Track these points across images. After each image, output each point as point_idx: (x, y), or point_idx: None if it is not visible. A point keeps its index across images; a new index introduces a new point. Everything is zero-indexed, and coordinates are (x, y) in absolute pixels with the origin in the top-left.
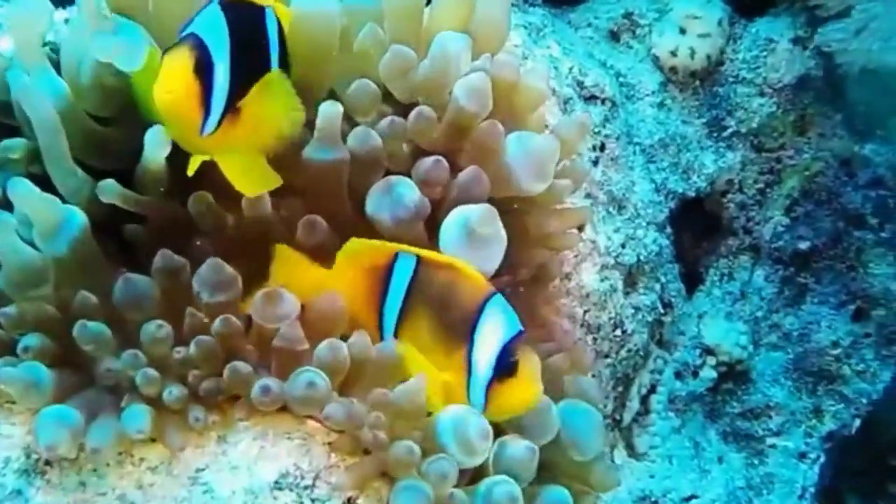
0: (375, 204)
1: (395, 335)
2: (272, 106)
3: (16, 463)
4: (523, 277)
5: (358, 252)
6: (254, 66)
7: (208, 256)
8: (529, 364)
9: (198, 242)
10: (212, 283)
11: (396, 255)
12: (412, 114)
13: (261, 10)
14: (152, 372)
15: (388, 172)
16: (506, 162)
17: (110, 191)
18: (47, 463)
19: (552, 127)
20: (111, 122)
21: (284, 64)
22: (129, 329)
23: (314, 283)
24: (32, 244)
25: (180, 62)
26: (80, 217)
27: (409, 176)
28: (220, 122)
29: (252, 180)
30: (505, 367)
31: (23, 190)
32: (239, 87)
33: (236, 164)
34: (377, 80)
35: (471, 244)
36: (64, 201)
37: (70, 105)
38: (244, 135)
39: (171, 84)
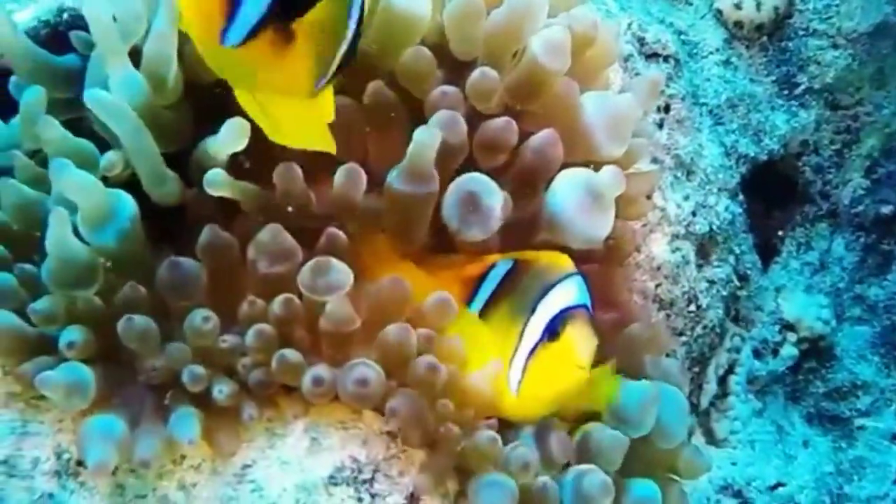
0: (462, 221)
1: None
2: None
3: (46, 464)
4: (598, 252)
5: (457, 262)
6: None
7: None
8: (577, 331)
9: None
10: (270, 252)
11: (495, 263)
12: (474, 74)
13: None
14: (199, 369)
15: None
16: (584, 123)
17: (220, 182)
18: (80, 463)
19: (620, 87)
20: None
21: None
22: (175, 316)
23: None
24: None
25: None
26: (130, 206)
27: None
28: (251, 35)
29: (295, 130)
30: (551, 333)
31: (69, 175)
32: (294, 5)
33: (276, 105)
34: (433, 33)
35: (593, 208)
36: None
37: (148, 96)
38: (292, 68)
39: None
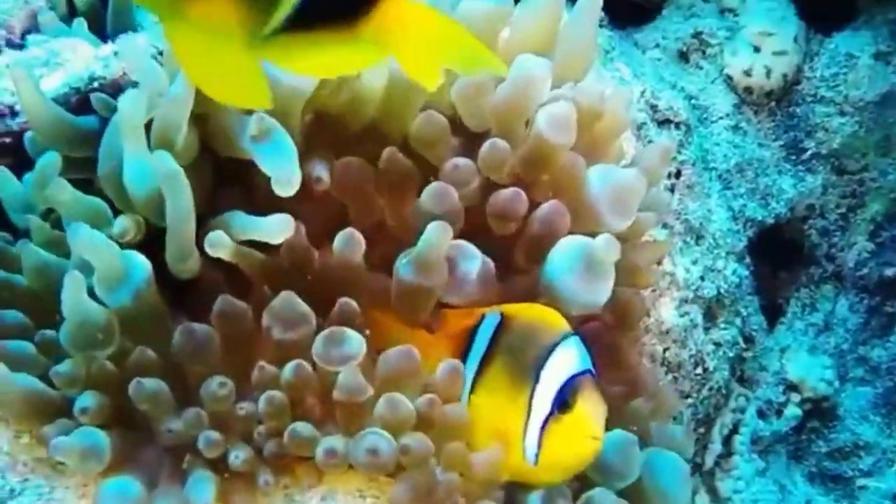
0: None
1: (472, 388)
2: None
3: None
4: (607, 319)
5: (446, 318)
6: None
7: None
8: (588, 401)
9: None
10: (284, 319)
11: (483, 315)
12: (485, 146)
13: None
14: (215, 435)
15: None
16: (588, 197)
17: (220, 244)
18: None
19: (633, 156)
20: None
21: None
22: (190, 381)
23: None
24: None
25: None
26: (143, 266)
27: (482, 208)
28: None
29: (222, 80)
30: (561, 404)
31: (85, 236)
32: None
33: (193, 49)
34: (445, 107)
35: (589, 275)
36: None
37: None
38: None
39: None
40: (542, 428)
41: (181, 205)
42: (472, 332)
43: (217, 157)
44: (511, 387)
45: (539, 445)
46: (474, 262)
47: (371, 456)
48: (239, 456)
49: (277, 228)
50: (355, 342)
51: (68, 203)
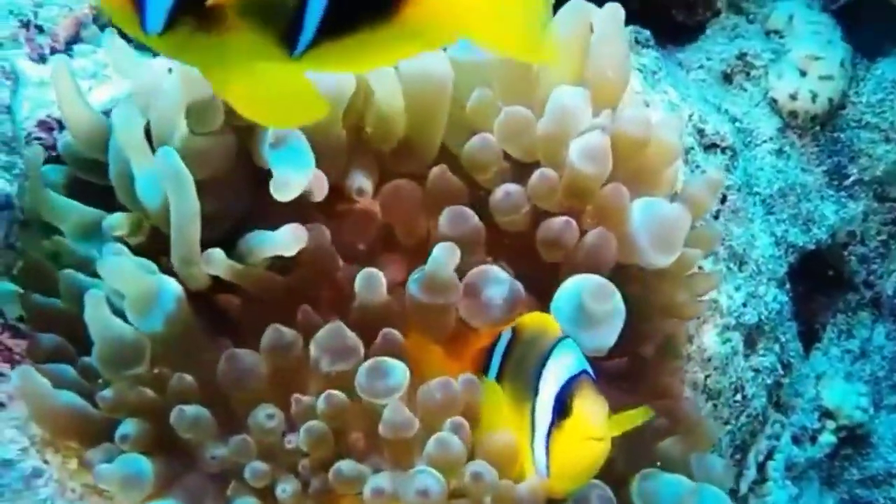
0: (468, 312)
1: None
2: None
3: None
4: (647, 352)
5: (469, 339)
6: None
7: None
8: (586, 402)
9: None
10: (332, 350)
11: (500, 334)
12: (534, 177)
13: None
14: (262, 466)
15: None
16: (630, 231)
17: (218, 263)
18: None
19: (681, 187)
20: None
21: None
22: (234, 408)
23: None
24: (124, 315)
25: None
26: (174, 289)
27: (527, 235)
28: (171, 24)
29: (272, 110)
30: (560, 410)
31: (112, 265)
32: None
33: (238, 86)
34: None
35: (583, 320)
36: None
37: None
38: (237, 47)
39: None
40: (548, 438)
41: (185, 205)
42: (490, 351)
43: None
44: (515, 402)
45: (547, 456)
46: (501, 286)
47: (422, 497)
48: (286, 490)
49: (289, 240)
50: (399, 373)
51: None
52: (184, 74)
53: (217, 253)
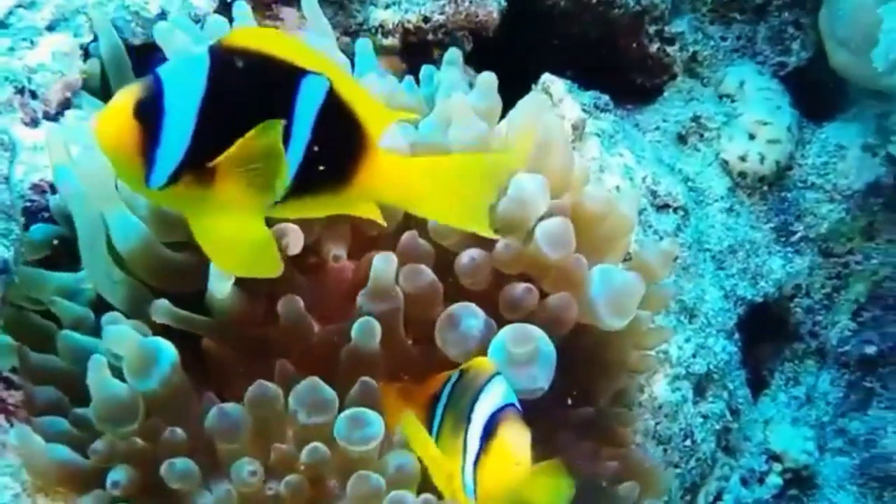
0: (443, 340)
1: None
2: (255, 171)
3: None
4: (602, 406)
5: (425, 384)
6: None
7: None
8: (510, 430)
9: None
10: (309, 404)
11: (449, 377)
12: (499, 246)
13: (297, 75)
14: None
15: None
16: (589, 296)
17: (163, 312)
18: None
19: (636, 253)
20: (182, 245)
21: (320, 165)
22: (219, 455)
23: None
24: (120, 371)
25: (122, 101)
26: (170, 353)
27: (492, 293)
28: (176, 178)
29: (239, 256)
30: (486, 437)
31: (115, 334)
32: (214, 153)
33: (215, 233)
34: None
35: (510, 363)
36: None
37: (145, 236)
38: (219, 201)
39: (105, 124)
40: (475, 464)
41: (86, 213)
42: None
43: None
44: (452, 433)
45: (474, 481)
46: (477, 320)
47: None
48: None
49: (216, 286)
50: (376, 424)
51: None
52: None
53: (163, 303)
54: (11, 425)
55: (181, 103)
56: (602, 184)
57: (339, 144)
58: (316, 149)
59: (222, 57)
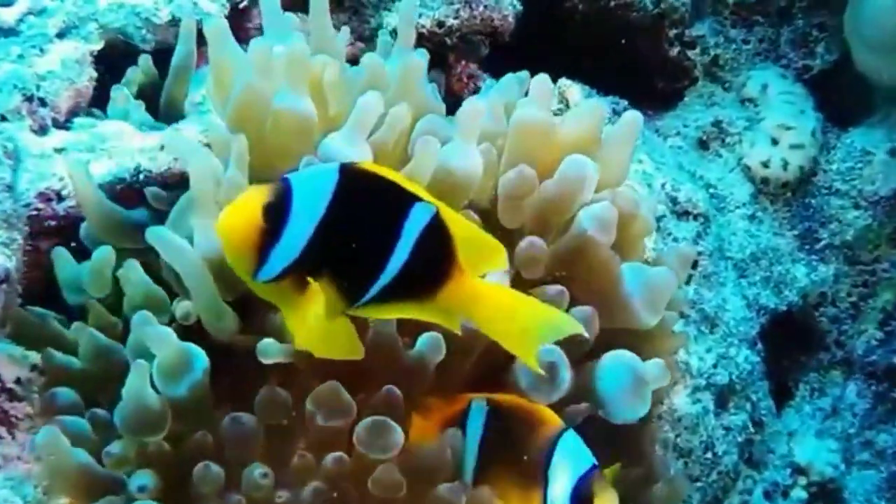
0: (533, 386)
1: (475, 482)
2: (312, 316)
3: None
4: None
5: (433, 405)
6: (364, 247)
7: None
8: (606, 497)
9: None
10: (328, 407)
11: (470, 402)
12: (523, 244)
13: (408, 200)
14: None
15: None
16: (623, 293)
17: (271, 352)
18: None
19: (654, 257)
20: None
21: (412, 279)
22: (232, 462)
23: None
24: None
25: (254, 197)
26: (203, 359)
27: None
28: (281, 277)
29: (320, 341)
30: (581, 501)
31: (152, 329)
32: (322, 260)
33: (302, 320)
34: (483, 200)
35: (637, 394)
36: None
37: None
38: (306, 306)
39: (232, 215)
40: None
41: (193, 262)
42: (461, 419)
43: None
44: (519, 485)
45: None
46: (568, 372)
47: None
48: None
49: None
50: (397, 434)
51: (135, 284)
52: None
53: (272, 344)
54: (13, 438)
55: (305, 213)
56: (634, 187)
57: (432, 265)
58: (411, 267)
59: (349, 175)
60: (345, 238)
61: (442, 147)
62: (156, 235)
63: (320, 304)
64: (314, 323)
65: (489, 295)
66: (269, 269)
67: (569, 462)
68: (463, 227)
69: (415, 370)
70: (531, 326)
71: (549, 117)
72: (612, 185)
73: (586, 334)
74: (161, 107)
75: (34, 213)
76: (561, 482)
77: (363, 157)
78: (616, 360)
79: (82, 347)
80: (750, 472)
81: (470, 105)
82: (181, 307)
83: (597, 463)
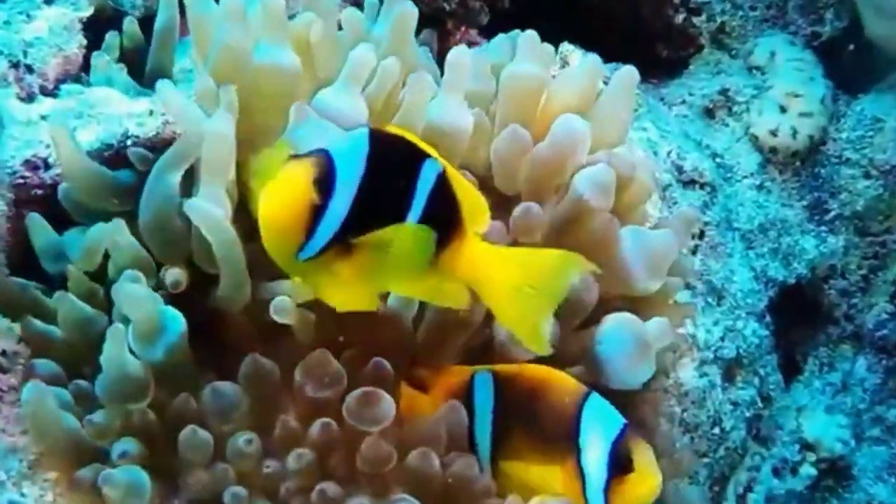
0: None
1: (492, 459)
2: (392, 260)
3: None
4: None
5: (434, 377)
6: (384, 209)
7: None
8: (645, 456)
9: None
10: (317, 377)
11: (472, 376)
12: (519, 210)
13: (419, 159)
14: (240, 491)
15: None
16: (623, 258)
17: (287, 310)
18: None
19: (656, 221)
20: None
21: (442, 230)
22: (217, 437)
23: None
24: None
25: (300, 173)
26: (179, 321)
27: None
28: (322, 251)
29: (346, 297)
30: (620, 465)
31: (128, 291)
32: (356, 224)
33: (332, 289)
34: (478, 167)
35: (640, 358)
36: None
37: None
38: (347, 276)
39: (280, 194)
40: (606, 490)
41: (229, 237)
42: (467, 392)
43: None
44: (548, 456)
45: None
46: (553, 326)
47: None
48: None
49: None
50: (387, 405)
51: (123, 247)
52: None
53: (287, 302)
54: None
55: (347, 182)
56: (632, 148)
57: (438, 224)
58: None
59: (377, 140)
60: (374, 203)
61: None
62: (192, 207)
63: (356, 271)
64: (354, 287)
65: (493, 258)
66: (313, 245)
67: (600, 425)
68: (462, 186)
69: (396, 331)
70: (539, 285)
71: (539, 72)
72: (609, 145)
73: (599, 271)
74: (147, 73)
75: (20, 181)
76: (595, 448)
77: (358, 111)
78: (617, 323)
79: (62, 316)
80: (758, 448)
81: (456, 54)
82: (171, 274)
83: (628, 422)
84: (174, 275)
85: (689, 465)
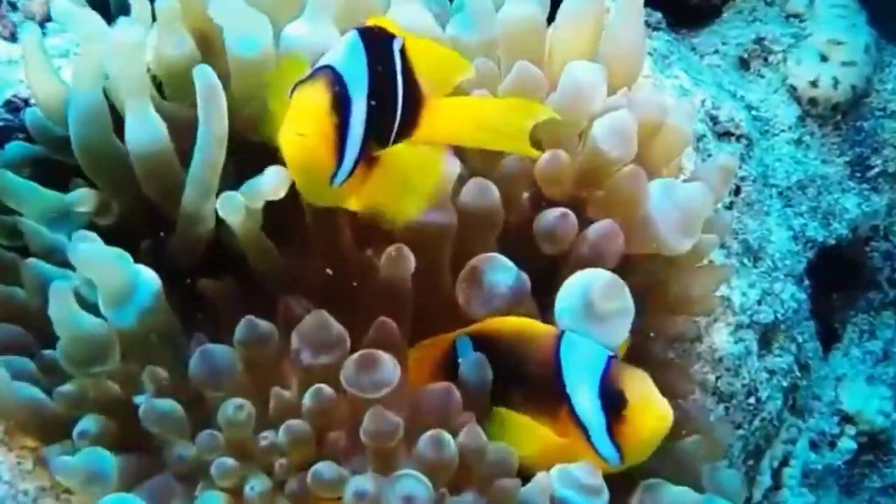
0: (466, 298)
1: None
2: (417, 165)
3: None
4: (654, 349)
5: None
6: (385, 105)
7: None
8: (637, 385)
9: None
10: (315, 342)
11: (454, 341)
12: (545, 157)
13: (389, 41)
14: (230, 462)
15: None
16: (649, 215)
17: (236, 206)
18: None
19: (691, 172)
20: None
21: (410, 103)
22: (209, 408)
23: None
24: (95, 306)
25: (315, 99)
26: (152, 283)
27: (528, 225)
28: (353, 170)
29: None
30: (613, 403)
31: (85, 252)
32: (374, 130)
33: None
34: None
35: (589, 318)
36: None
37: (166, 148)
38: (377, 190)
39: (303, 124)
40: (610, 432)
41: (215, 124)
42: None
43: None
44: (540, 411)
45: (616, 446)
46: (506, 274)
47: (406, 503)
48: (255, 487)
49: (274, 183)
50: (389, 368)
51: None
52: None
53: (236, 197)
54: None
55: (358, 95)
56: (661, 90)
57: (406, 97)
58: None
59: (367, 40)
60: (379, 103)
61: None
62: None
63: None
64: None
65: (459, 108)
66: (345, 168)
67: (581, 365)
68: (427, 50)
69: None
70: (509, 118)
71: (536, 12)
72: (627, 77)
73: (558, 117)
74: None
75: (1, 124)
76: (584, 391)
77: (331, 45)
78: (565, 291)
79: (25, 278)
80: (795, 420)
81: None
82: (76, 193)
83: (610, 353)
84: (79, 194)
85: (725, 443)
